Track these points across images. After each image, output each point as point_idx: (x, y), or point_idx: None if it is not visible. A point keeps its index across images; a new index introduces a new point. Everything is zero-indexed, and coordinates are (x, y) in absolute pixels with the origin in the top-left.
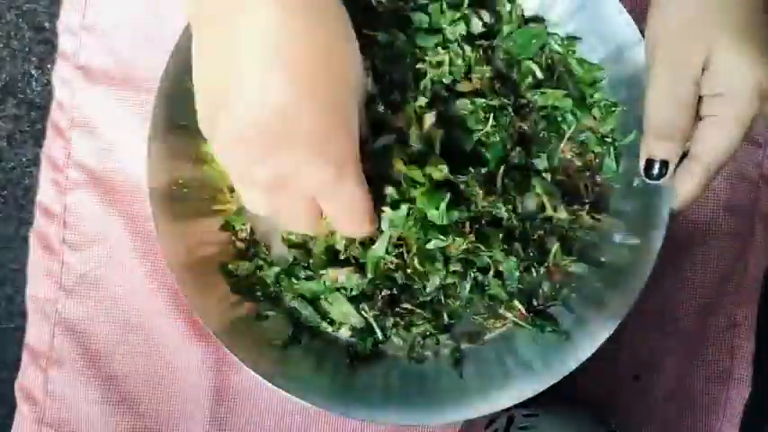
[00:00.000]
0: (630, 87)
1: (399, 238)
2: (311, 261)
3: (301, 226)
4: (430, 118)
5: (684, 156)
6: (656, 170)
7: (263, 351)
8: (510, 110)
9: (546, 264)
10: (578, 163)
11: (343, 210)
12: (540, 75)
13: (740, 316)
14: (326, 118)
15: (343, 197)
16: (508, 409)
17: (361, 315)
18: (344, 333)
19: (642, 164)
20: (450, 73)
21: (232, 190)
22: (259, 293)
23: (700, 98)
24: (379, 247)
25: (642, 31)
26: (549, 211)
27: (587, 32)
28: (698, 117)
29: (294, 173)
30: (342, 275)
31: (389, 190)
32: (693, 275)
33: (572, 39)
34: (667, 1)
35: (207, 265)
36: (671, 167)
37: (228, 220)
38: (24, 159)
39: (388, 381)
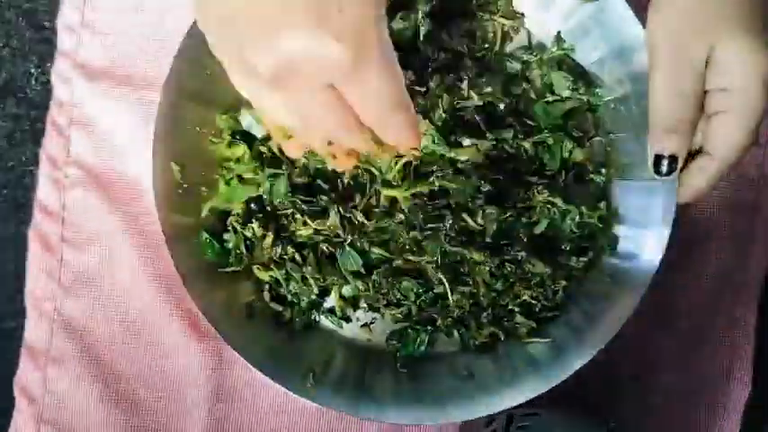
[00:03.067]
0: (635, 83)
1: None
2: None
3: (329, 124)
4: None
5: (695, 154)
6: (665, 166)
7: (266, 346)
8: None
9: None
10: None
11: (370, 95)
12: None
13: (740, 316)
14: None
15: (367, 82)
16: (507, 408)
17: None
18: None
19: (651, 159)
20: None
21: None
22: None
23: (706, 92)
24: None
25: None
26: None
27: (590, 28)
28: (707, 113)
29: (300, 56)
30: None
31: None
32: (693, 275)
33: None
34: None
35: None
36: (680, 162)
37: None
38: (24, 158)
39: (397, 380)
